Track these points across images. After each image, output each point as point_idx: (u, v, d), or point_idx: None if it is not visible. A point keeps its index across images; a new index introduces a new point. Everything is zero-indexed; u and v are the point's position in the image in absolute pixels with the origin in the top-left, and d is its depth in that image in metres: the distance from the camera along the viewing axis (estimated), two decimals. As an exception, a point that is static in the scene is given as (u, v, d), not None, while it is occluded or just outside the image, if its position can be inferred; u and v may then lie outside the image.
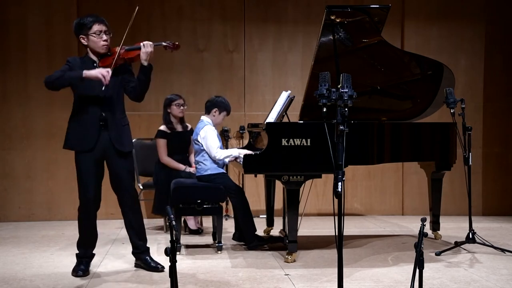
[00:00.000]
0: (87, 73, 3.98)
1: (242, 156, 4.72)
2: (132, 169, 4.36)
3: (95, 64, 4.16)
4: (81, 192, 4.18)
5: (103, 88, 4.00)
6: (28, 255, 4.93)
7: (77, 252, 4.33)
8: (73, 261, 4.32)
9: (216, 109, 5.20)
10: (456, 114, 4.96)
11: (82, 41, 4.16)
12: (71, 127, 4.17)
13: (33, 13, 6.66)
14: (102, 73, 3.96)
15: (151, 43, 4.12)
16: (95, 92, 4.07)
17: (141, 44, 4.11)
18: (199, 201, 4.98)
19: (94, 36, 4.12)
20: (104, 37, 4.14)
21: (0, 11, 6.61)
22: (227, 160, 5.10)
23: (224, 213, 5.89)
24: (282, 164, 4.55)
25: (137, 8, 4.07)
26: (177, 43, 4.27)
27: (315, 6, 6.85)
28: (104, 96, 4.10)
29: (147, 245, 4.42)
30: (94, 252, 4.38)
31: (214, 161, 5.11)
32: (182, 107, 5.84)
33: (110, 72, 3.98)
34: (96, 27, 4.11)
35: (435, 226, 5.54)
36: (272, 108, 5.21)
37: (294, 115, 5.55)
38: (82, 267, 4.25)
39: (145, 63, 4.11)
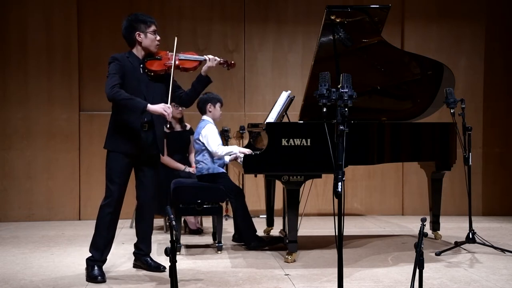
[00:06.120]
0: (151, 107, 3.98)
1: (242, 155, 4.73)
2: (159, 174, 4.42)
3: (141, 66, 4.15)
4: (110, 191, 4.08)
5: (167, 126, 4.14)
6: (28, 255, 4.92)
7: (90, 255, 4.12)
8: (73, 261, 4.31)
9: (209, 104, 5.20)
10: (456, 114, 4.96)
11: (138, 37, 4.13)
12: (115, 129, 4.11)
13: (33, 13, 6.66)
14: (165, 109, 3.98)
15: (216, 58, 4.26)
16: (140, 96, 4.06)
17: (207, 58, 4.24)
18: (199, 201, 4.98)
19: (152, 35, 4.15)
20: (158, 37, 4.20)
21: (0, 11, 6.61)
22: (227, 159, 5.10)
23: (224, 213, 5.89)
24: (282, 164, 4.54)
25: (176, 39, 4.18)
26: (232, 62, 4.42)
27: (315, 6, 6.84)
28: (150, 100, 4.08)
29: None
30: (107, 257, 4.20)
31: (214, 160, 5.11)
32: (180, 108, 5.84)
33: (171, 108, 4.06)
34: (153, 27, 4.16)
35: (435, 226, 5.54)
36: (272, 108, 5.21)
37: (294, 115, 5.55)
38: (97, 272, 4.04)
39: (204, 74, 4.25)
